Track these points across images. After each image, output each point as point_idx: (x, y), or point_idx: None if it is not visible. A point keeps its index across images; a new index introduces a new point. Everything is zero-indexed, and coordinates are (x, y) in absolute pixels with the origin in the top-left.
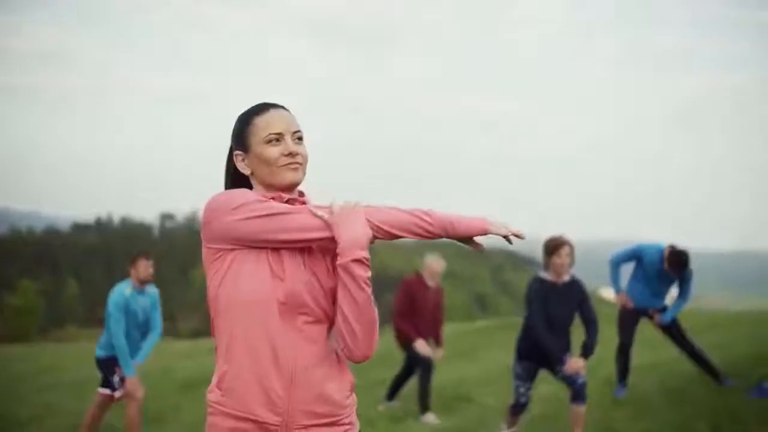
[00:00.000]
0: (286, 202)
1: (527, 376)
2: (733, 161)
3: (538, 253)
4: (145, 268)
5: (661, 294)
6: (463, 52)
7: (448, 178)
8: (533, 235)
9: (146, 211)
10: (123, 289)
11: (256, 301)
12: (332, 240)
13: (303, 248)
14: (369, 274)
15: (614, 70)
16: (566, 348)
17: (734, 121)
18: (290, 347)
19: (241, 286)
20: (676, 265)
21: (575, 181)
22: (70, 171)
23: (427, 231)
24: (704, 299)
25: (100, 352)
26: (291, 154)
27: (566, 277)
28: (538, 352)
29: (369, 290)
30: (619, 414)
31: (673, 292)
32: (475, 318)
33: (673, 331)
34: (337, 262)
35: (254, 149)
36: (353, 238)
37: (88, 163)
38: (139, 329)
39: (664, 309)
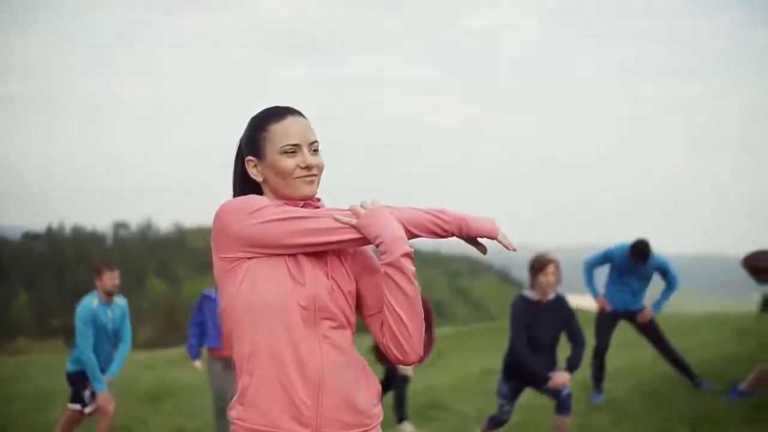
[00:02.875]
0: (302, 207)
1: (513, 396)
2: (692, 167)
3: (497, 260)
4: (110, 279)
5: (640, 293)
6: (425, 58)
7: (410, 184)
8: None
9: (99, 219)
10: (89, 302)
11: (278, 307)
12: (359, 241)
13: (321, 253)
14: (414, 268)
15: (581, 77)
16: (552, 367)
17: (693, 128)
18: (316, 354)
19: (259, 292)
20: (637, 254)
21: (538, 188)
22: (20, 179)
23: (443, 229)
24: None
25: (71, 367)
26: (308, 167)
27: (551, 295)
28: (524, 372)
29: (417, 285)
30: (597, 419)
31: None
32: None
33: (651, 331)
34: (385, 261)
35: (269, 158)
36: (395, 234)
37: (39, 172)
38: (110, 342)
39: (640, 311)
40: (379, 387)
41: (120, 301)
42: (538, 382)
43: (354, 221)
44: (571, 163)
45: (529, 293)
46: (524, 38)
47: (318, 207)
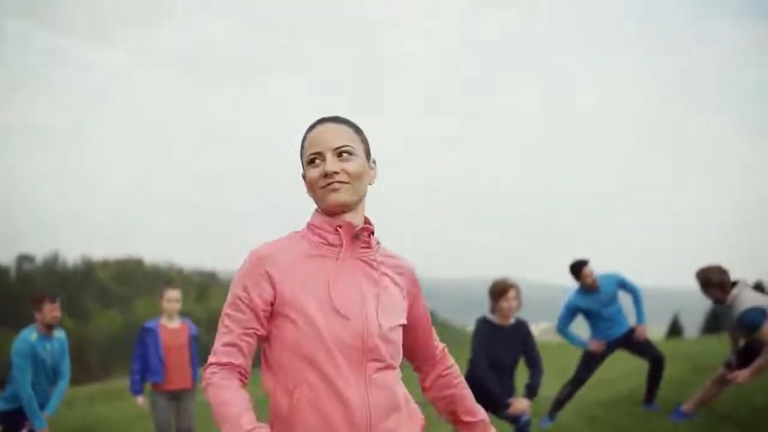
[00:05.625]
0: (357, 233)
1: None
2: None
3: None
4: (50, 311)
5: (619, 315)
6: (348, 83)
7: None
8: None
9: (2, 252)
10: (28, 336)
11: (318, 347)
12: None
13: (370, 279)
14: None
15: (518, 102)
16: (511, 391)
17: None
18: (362, 398)
19: (296, 332)
20: (575, 274)
21: (501, 219)
22: None
23: None
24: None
25: (4, 405)
26: (327, 175)
27: (512, 320)
28: (483, 396)
29: None
30: None
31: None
32: None
33: (644, 346)
34: None
35: (304, 170)
36: None
37: None
38: (48, 377)
39: (632, 331)
40: (423, 420)
41: (59, 334)
42: (498, 407)
43: None
44: (510, 193)
45: (491, 317)
46: (463, 67)
47: (372, 231)
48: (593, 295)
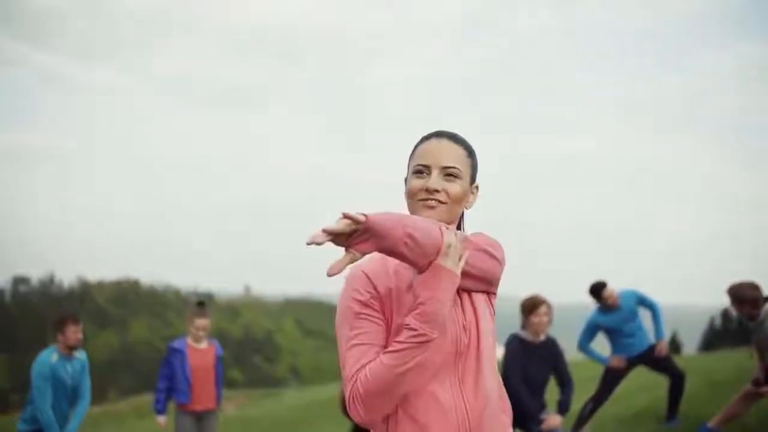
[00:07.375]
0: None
1: None
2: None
3: None
4: (73, 333)
5: (640, 332)
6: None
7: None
8: None
9: None
10: (48, 357)
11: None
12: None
13: (463, 296)
14: None
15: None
16: (543, 407)
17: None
18: (457, 402)
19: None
20: (595, 296)
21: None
22: None
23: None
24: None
25: (24, 427)
26: (428, 190)
27: (542, 336)
28: (516, 413)
29: None
30: None
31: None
32: None
33: (664, 362)
34: None
35: (407, 177)
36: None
37: None
38: (67, 398)
39: (653, 347)
40: (511, 411)
41: (80, 355)
42: (532, 424)
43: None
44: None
45: (523, 333)
46: (447, 101)
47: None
48: (614, 313)
